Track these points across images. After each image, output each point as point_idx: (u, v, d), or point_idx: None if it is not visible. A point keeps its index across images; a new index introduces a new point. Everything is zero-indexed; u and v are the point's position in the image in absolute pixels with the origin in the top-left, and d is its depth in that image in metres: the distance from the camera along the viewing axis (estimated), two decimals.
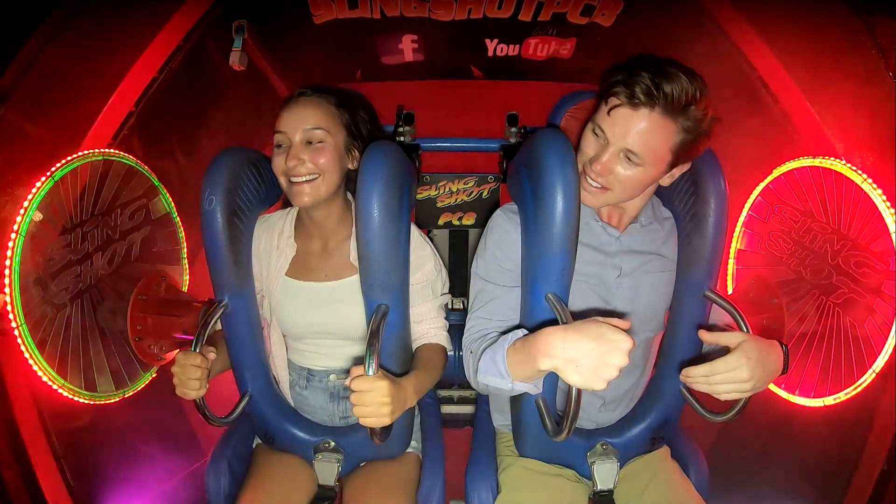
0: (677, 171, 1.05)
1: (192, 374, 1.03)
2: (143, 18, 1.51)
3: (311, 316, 1.19)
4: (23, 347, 1.09)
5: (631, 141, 0.96)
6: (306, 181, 1.10)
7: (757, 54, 1.51)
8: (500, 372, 0.96)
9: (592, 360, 0.81)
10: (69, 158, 1.17)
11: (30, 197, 1.09)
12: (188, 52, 1.60)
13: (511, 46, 2.07)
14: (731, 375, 0.92)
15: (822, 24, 1.35)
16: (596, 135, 1.01)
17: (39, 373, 1.12)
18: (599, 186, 1.02)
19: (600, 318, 0.85)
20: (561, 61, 2.04)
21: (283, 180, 1.12)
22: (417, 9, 1.92)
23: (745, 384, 0.92)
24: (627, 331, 0.83)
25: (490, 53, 2.08)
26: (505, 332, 1.00)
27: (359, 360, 1.05)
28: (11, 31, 1.30)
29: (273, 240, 1.22)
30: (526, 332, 0.95)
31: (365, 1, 1.90)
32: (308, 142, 1.10)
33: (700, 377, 0.94)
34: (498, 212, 1.14)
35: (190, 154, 1.69)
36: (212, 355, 1.07)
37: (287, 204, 1.27)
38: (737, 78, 1.55)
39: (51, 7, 1.32)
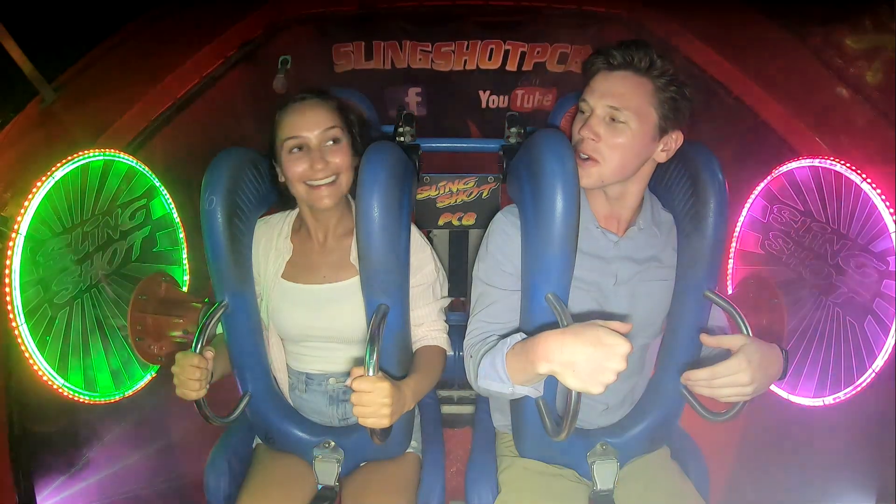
0: (671, 144, 1.05)
1: (191, 375, 1.03)
2: (191, 39, 1.77)
3: (309, 319, 1.19)
4: (23, 347, 1.09)
5: (611, 98, 1.00)
6: (325, 184, 1.10)
7: (727, 77, 1.66)
8: (500, 376, 0.96)
9: (590, 365, 0.81)
10: (69, 158, 1.17)
11: (30, 197, 1.09)
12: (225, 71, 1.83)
13: (501, 98, 2.34)
14: (733, 379, 0.92)
15: (768, 45, 1.63)
16: (582, 111, 1.06)
17: (40, 373, 1.12)
18: (589, 157, 1.03)
19: (600, 322, 0.85)
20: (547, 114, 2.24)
21: (300, 187, 1.11)
22: (422, 60, 2.22)
23: (747, 388, 0.92)
24: (626, 335, 0.83)
25: (483, 105, 2.34)
26: (505, 336, 1.00)
27: (358, 362, 1.05)
28: (80, 37, 1.59)
29: (272, 241, 1.22)
30: (524, 335, 0.96)
31: (378, 53, 2.22)
32: (326, 142, 1.10)
33: (702, 380, 0.94)
34: (499, 215, 1.14)
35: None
36: (210, 353, 1.07)
37: (282, 207, 1.26)
38: (714, 100, 1.69)
39: (119, 24, 1.64)
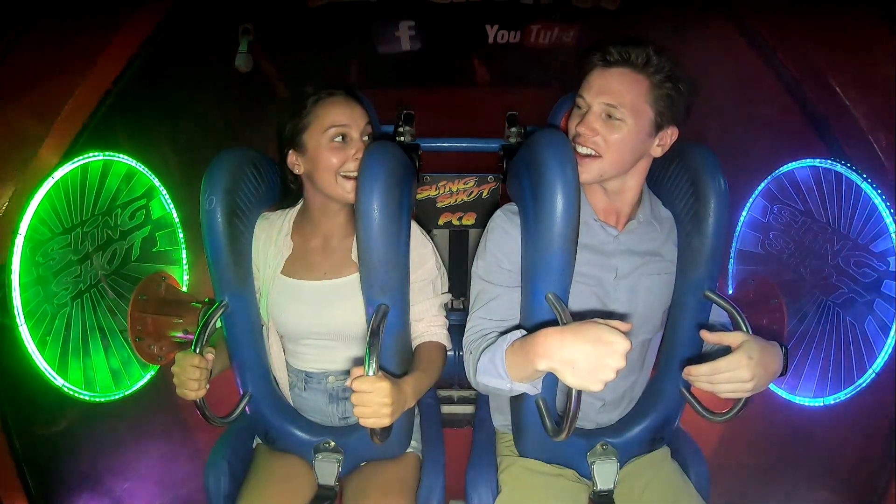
0: (667, 139, 1.05)
1: (191, 375, 1.03)
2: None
3: (308, 315, 1.19)
4: (23, 347, 1.09)
5: (607, 96, 1.00)
6: (354, 176, 1.09)
7: (783, 46, 1.44)
8: (499, 372, 0.96)
9: (589, 362, 0.81)
10: (69, 159, 1.17)
11: (30, 197, 1.09)
12: (164, 39, 1.54)
13: (512, 33, 1.99)
14: (733, 375, 0.92)
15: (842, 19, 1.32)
16: (578, 107, 1.05)
17: (40, 373, 1.12)
18: (588, 153, 1.03)
19: (599, 320, 0.85)
20: (564, 54, 1.98)
21: (330, 177, 1.11)
22: None
23: (747, 384, 0.92)
24: (626, 332, 0.83)
25: (490, 40, 2.00)
26: (505, 333, 1.00)
27: (358, 361, 1.05)
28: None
29: (272, 238, 1.21)
30: (524, 332, 0.96)
31: None
32: (363, 137, 1.12)
33: (702, 375, 0.94)
34: (498, 212, 1.14)
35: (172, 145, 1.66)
36: (210, 356, 1.07)
37: (284, 206, 1.26)
38: (747, 69, 1.51)
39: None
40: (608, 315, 1.09)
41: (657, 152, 1.07)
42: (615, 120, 1.01)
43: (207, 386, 1.06)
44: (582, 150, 1.03)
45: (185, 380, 1.03)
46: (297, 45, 1.92)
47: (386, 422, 0.95)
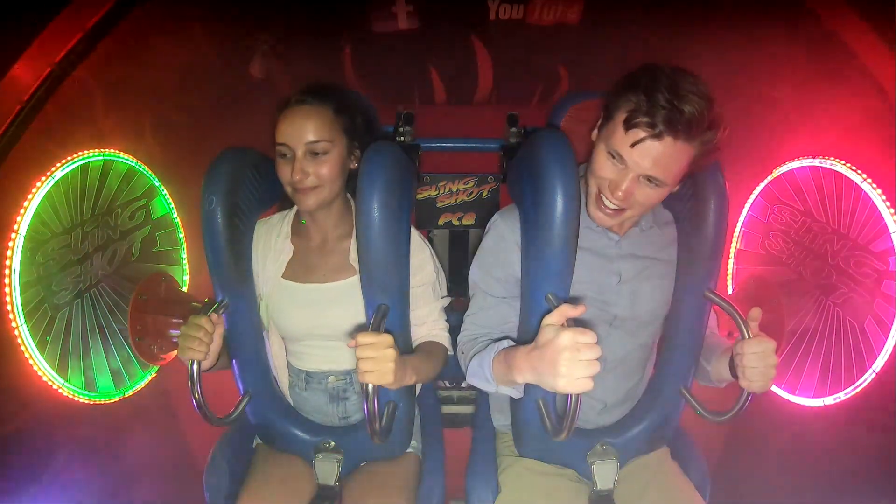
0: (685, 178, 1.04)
1: (194, 332, 1.03)
2: None
3: (310, 318, 1.19)
4: (23, 347, 1.09)
5: (654, 169, 0.94)
6: (309, 187, 1.10)
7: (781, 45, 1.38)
8: (486, 377, 1.02)
9: (563, 369, 0.82)
10: (68, 159, 1.17)
11: (29, 197, 1.09)
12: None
13: (515, 8, 1.88)
14: (765, 359, 0.95)
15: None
16: (613, 158, 0.97)
17: (40, 373, 1.12)
18: (617, 208, 1.01)
19: (552, 320, 0.85)
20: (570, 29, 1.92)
21: (287, 189, 1.13)
22: None
23: (772, 370, 0.95)
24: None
25: (493, 16, 1.91)
26: (495, 338, 1.05)
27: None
28: None
29: (270, 242, 1.22)
30: (511, 341, 1.02)
31: None
32: (312, 153, 1.10)
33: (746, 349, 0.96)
34: (496, 216, 1.15)
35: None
36: (217, 318, 1.08)
37: (284, 206, 1.27)
38: (745, 69, 1.49)
39: None
40: (610, 317, 1.10)
41: (675, 188, 1.03)
42: (654, 186, 0.96)
43: (210, 357, 1.06)
44: (610, 204, 1.00)
45: (187, 334, 1.03)
46: (301, 38, 1.89)
47: (388, 377, 0.94)
